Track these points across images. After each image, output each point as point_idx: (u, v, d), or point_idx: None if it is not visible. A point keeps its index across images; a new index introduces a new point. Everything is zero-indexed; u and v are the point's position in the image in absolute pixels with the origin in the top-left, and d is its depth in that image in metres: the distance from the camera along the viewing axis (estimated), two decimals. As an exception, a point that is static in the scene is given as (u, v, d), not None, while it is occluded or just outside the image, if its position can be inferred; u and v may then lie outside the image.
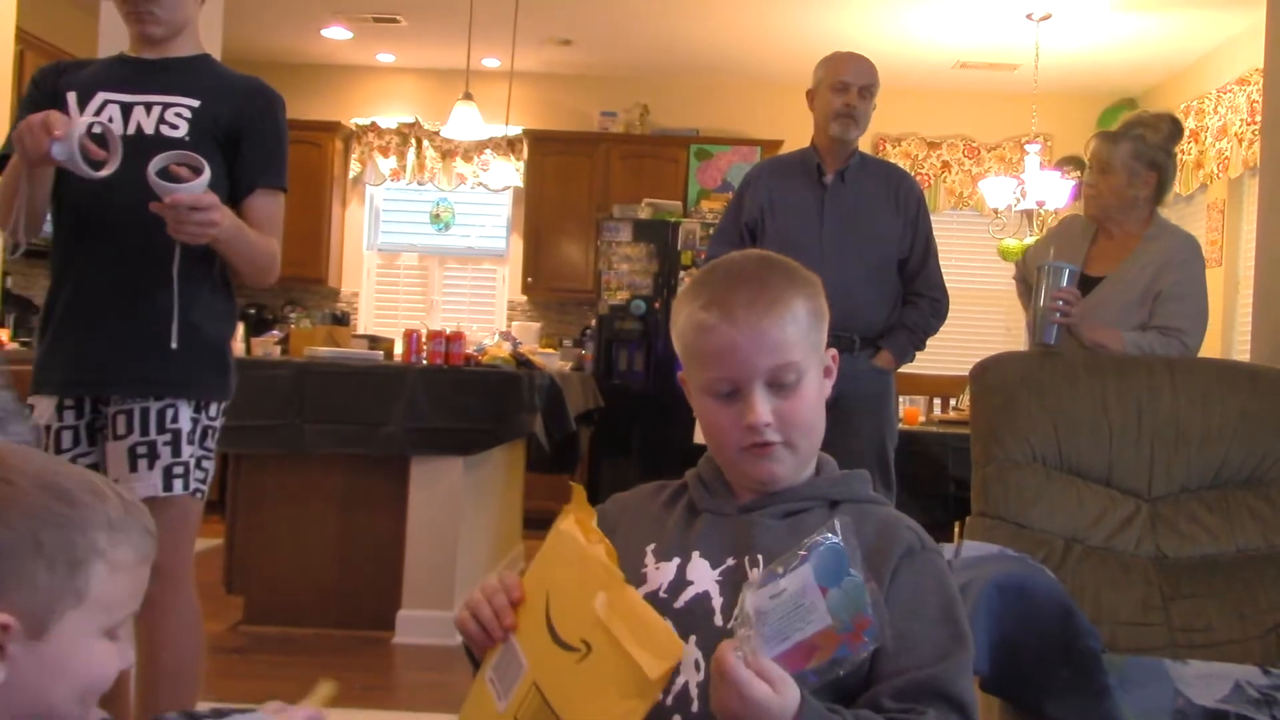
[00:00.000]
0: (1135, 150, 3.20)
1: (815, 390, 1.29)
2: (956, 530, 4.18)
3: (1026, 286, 3.59)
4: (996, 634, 2.03)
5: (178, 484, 2.39)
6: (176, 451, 2.38)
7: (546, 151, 7.80)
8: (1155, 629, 2.58)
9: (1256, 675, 2.32)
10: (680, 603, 1.22)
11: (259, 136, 2.49)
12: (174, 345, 2.37)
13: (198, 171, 2.22)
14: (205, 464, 2.47)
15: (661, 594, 1.23)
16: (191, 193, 2.19)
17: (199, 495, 2.46)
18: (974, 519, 2.80)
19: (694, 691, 1.17)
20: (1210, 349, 6.34)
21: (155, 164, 2.20)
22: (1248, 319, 4.21)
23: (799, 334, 1.26)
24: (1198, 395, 2.84)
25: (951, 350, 6.11)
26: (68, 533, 1.00)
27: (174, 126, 2.39)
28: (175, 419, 2.39)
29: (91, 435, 2.45)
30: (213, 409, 2.49)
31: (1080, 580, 2.58)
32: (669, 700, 1.16)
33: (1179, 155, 3.73)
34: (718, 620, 1.21)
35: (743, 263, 1.31)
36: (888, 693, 1.16)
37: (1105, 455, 2.81)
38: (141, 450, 2.36)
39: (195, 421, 2.43)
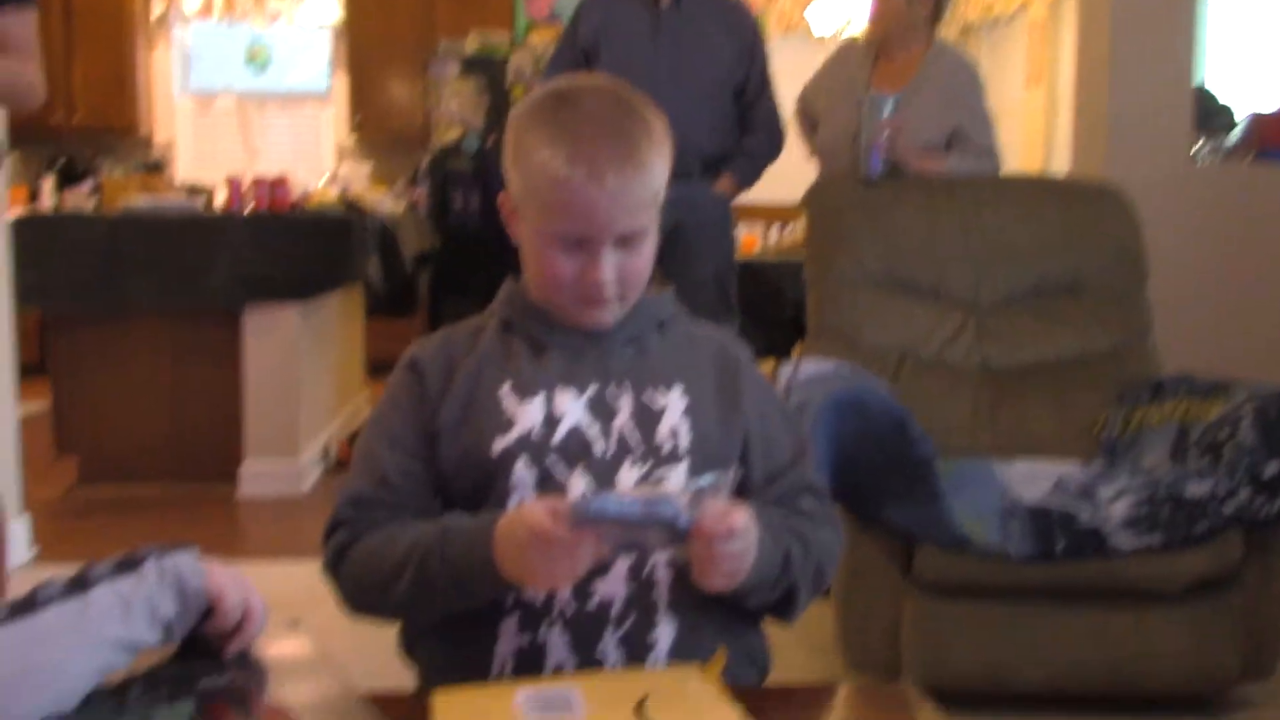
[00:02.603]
0: None
1: (653, 244, 1.27)
2: (795, 352, 4.29)
3: (809, 121, 3.61)
4: (836, 447, 2.10)
5: None
6: None
7: (366, -17, 7.43)
8: (982, 433, 2.71)
9: (1076, 471, 2.47)
10: (557, 438, 1.21)
11: None
12: None
13: None
14: None
15: (535, 434, 1.21)
16: None
17: None
18: (811, 339, 2.87)
19: None
20: (1031, 165, 6.54)
21: None
22: (1067, 136, 4.34)
23: (655, 195, 1.24)
24: (1021, 209, 2.93)
25: (785, 176, 6.15)
26: None
27: None
28: None
29: None
30: None
31: (913, 392, 2.68)
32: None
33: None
34: (597, 449, 1.21)
35: (599, 104, 1.24)
36: (771, 501, 1.27)
37: (935, 271, 2.89)
38: None
39: None
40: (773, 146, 3.80)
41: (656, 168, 1.23)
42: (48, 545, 3.51)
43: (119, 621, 0.94)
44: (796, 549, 1.22)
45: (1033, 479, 2.40)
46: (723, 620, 1.23)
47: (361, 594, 1.22)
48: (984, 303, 2.89)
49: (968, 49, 7.34)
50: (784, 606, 1.26)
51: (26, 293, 3.75)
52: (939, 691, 1.14)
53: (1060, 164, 6.11)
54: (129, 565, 0.99)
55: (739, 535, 1.09)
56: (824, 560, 1.27)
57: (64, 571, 0.97)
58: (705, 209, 3.65)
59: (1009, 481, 2.39)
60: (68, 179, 7.11)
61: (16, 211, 4.28)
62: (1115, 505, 2.28)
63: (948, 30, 7.22)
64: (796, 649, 2.66)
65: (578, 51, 3.69)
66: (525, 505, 1.11)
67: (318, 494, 4.26)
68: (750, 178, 3.78)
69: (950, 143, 3.24)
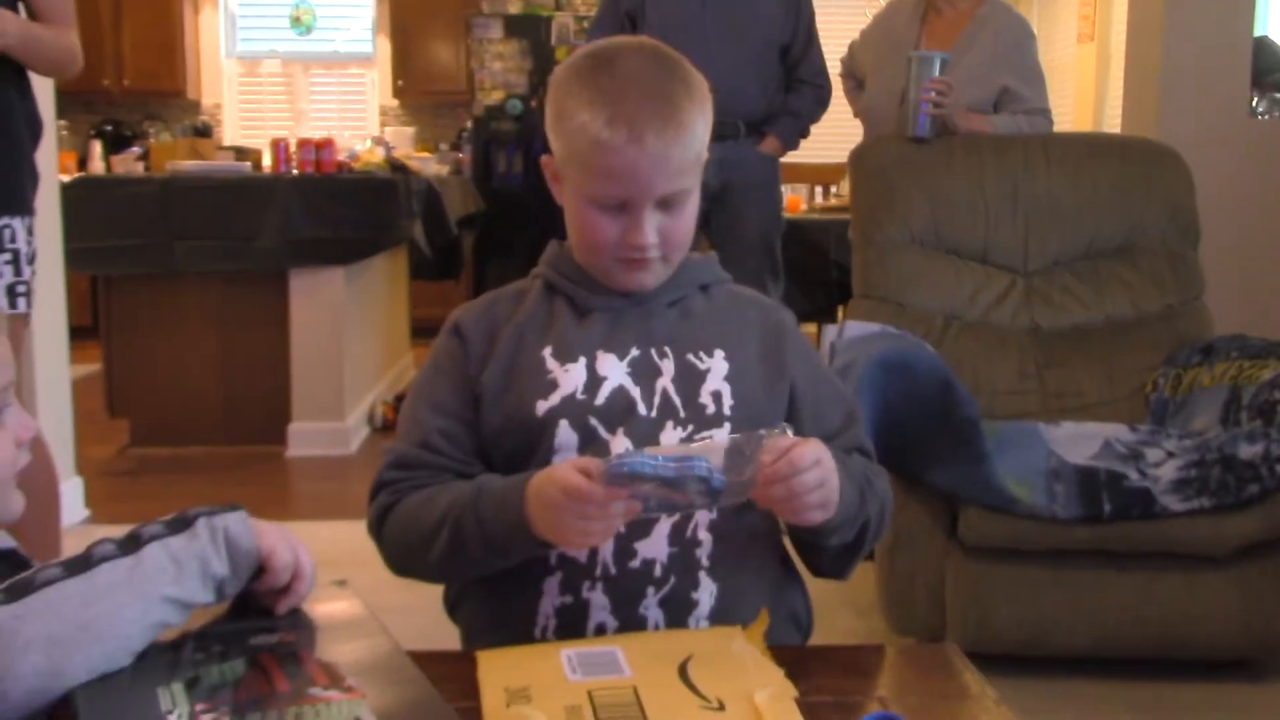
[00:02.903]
0: None
1: (695, 205, 1.27)
2: (840, 315, 4.26)
3: (856, 81, 3.55)
4: (881, 409, 2.09)
5: (21, 302, 2.34)
6: (18, 271, 2.34)
7: (407, -56, 7.43)
8: (1030, 396, 2.68)
9: (1124, 433, 2.44)
10: (600, 400, 1.21)
11: None
12: None
13: None
14: (34, 288, 2.42)
15: (579, 396, 1.21)
16: None
17: (28, 320, 2.44)
18: (856, 301, 2.85)
19: None
20: (1082, 123, 6.44)
21: None
22: (1119, 93, 4.27)
23: (697, 156, 1.23)
24: (1070, 169, 2.89)
25: (831, 137, 6.09)
26: None
27: None
28: (14, 239, 2.33)
29: None
30: (34, 228, 2.43)
31: (959, 353, 2.66)
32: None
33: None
34: (641, 410, 1.21)
35: (639, 65, 1.22)
36: None
37: (982, 233, 2.86)
38: None
39: (30, 243, 2.37)
40: (818, 102, 3.77)
41: (697, 128, 1.22)
42: (99, 507, 3.57)
43: (172, 580, 0.96)
44: (866, 486, 1.23)
45: (1080, 440, 2.38)
46: (765, 582, 1.24)
47: (403, 555, 1.23)
48: (1033, 264, 2.86)
49: (1018, 4, 7.23)
50: (848, 553, 1.26)
51: (77, 256, 3.81)
52: (984, 654, 1.14)
53: (1112, 122, 6.02)
54: (180, 525, 1.00)
55: (808, 467, 1.08)
56: (885, 504, 1.27)
57: (116, 532, 0.99)
58: (752, 170, 3.64)
59: (1055, 442, 2.37)
60: (115, 144, 7.18)
61: (66, 177, 4.33)
62: (1164, 467, 2.26)
63: (997, -14, 7.11)
64: (840, 611, 2.66)
65: (621, 14, 3.68)
66: (557, 465, 1.11)
67: (364, 455, 4.31)
68: (795, 137, 3.76)
69: (1000, 102, 3.18)
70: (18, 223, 2.32)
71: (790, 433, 1.10)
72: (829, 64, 3.78)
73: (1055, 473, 2.26)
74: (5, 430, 1.07)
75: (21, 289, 2.33)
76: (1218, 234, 3.13)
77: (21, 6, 2.35)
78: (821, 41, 3.79)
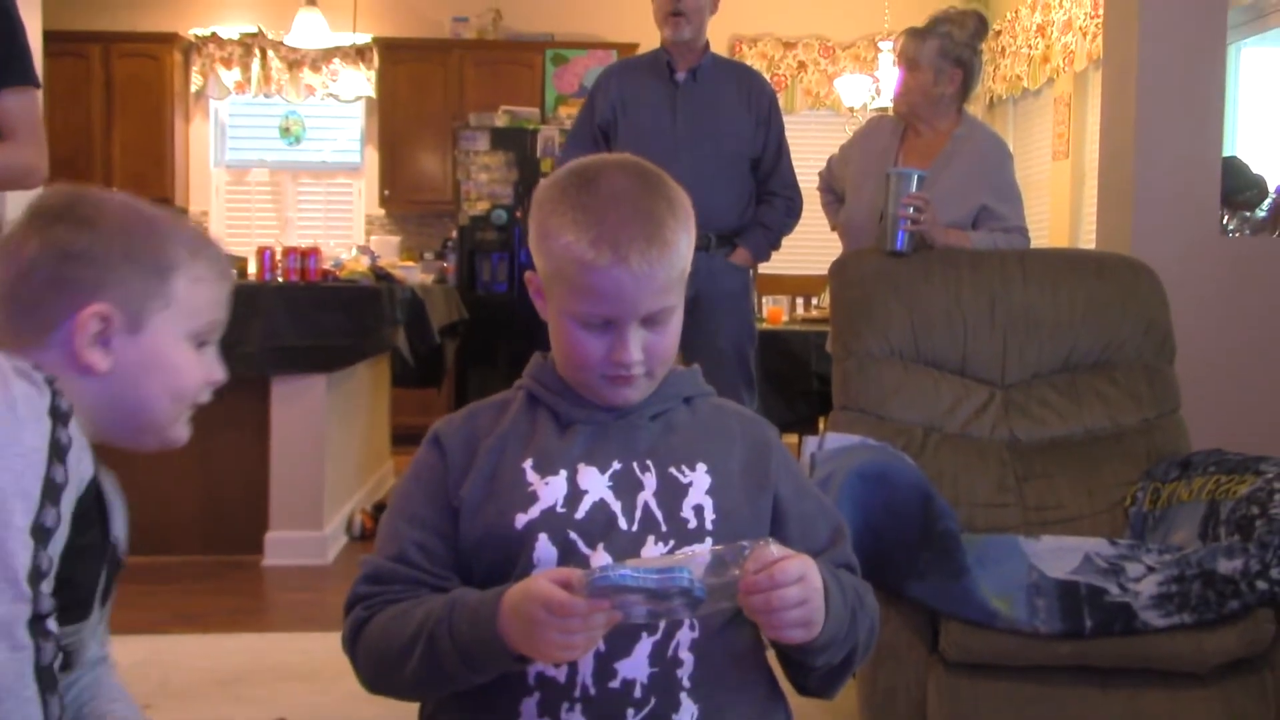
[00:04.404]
0: (942, 47, 3.23)
1: (679, 320, 1.28)
2: (820, 425, 4.27)
3: (834, 195, 3.60)
4: (860, 521, 2.08)
5: None
6: None
7: (398, 60, 7.58)
8: (1010, 509, 2.68)
9: (1104, 547, 2.44)
10: (580, 514, 1.20)
11: None
12: None
13: None
14: None
15: (559, 509, 1.20)
16: None
17: None
18: (836, 412, 2.86)
19: None
20: (1058, 239, 6.55)
21: None
22: (1094, 208, 4.35)
23: (681, 273, 1.24)
24: (1048, 284, 2.93)
25: (812, 249, 6.17)
26: (154, 242, 1.21)
27: None
28: None
29: None
30: None
31: (939, 466, 2.66)
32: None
33: (985, 52, 3.79)
34: (622, 524, 1.20)
35: (622, 183, 1.23)
36: None
37: (960, 346, 2.89)
38: None
39: None
40: (789, 214, 3.83)
41: (682, 245, 1.24)
42: (73, 614, 3.51)
43: None
44: (858, 606, 1.23)
45: (1060, 554, 2.38)
46: (748, 702, 1.22)
47: (377, 672, 1.21)
48: (1010, 377, 2.88)
49: (994, 122, 7.40)
50: (836, 673, 1.24)
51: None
52: (965, 773, 1.13)
53: (1088, 236, 6.12)
54: None
55: (791, 582, 1.08)
56: (874, 623, 1.26)
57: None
58: (722, 280, 3.68)
59: (1035, 556, 2.36)
60: (103, 249, 7.21)
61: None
62: (1145, 582, 2.25)
63: (974, 104, 7.28)
64: (822, 726, 2.62)
65: (594, 128, 3.76)
66: (533, 579, 1.10)
67: (341, 565, 4.26)
68: (766, 248, 3.81)
69: (978, 220, 3.24)
70: None
71: (773, 546, 1.09)
72: (807, 177, 3.85)
73: (1036, 587, 2.25)
74: (203, 359, 1.25)
75: None
76: (1193, 348, 3.16)
77: None
78: (801, 156, 3.86)
